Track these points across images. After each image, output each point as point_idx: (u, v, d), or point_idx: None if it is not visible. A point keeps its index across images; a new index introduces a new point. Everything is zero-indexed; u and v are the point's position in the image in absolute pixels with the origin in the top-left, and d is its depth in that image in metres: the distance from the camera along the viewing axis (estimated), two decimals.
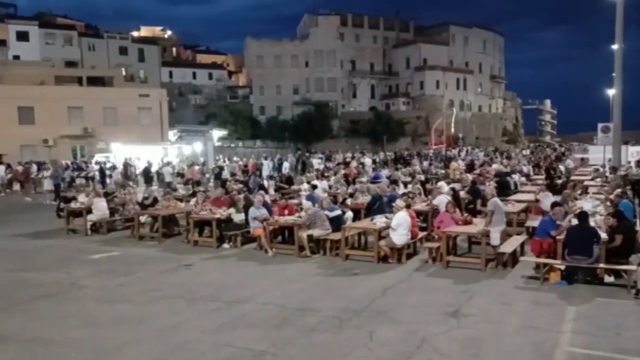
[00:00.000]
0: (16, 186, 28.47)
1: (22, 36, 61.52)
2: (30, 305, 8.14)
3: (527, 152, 50.75)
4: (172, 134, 44.99)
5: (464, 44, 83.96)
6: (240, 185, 18.08)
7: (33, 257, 11.92)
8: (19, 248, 12.99)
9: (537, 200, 13.76)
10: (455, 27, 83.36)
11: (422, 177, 21.75)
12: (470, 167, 27.28)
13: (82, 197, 15.50)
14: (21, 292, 8.90)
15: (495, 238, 10.06)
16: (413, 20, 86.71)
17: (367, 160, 35.65)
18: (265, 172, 29.84)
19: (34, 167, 30.39)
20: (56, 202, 21.44)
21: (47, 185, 23.21)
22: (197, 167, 28.71)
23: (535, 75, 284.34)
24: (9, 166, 29.77)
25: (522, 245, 10.64)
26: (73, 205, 15.28)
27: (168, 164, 29.51)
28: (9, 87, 41.52)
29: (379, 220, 11.30)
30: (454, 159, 37.05)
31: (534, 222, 11.41)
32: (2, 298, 8.52)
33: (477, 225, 10.67)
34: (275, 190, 18.65)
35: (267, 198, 14.16)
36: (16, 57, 57.69)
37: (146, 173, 26.97)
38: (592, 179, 20.19)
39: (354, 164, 31.64)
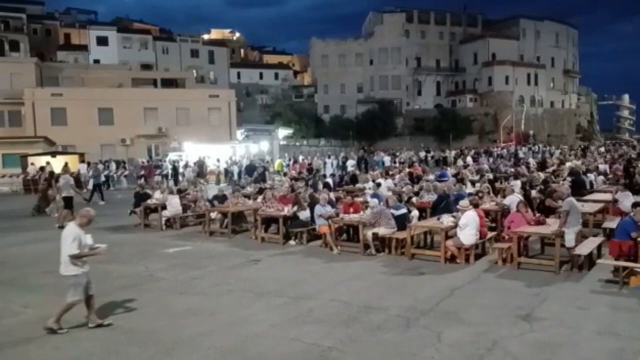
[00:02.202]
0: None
1: (102, 41, 65.08)
2: (112, 296, 8.65)
3: (602, 149, 48.00)
4: (239, 133, 46.34)
5: (535, 37, 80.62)
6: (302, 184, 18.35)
7: (113, 250, 12.51)
8: (101, 241, 13.66)
9: (615, 201, 13.08)
10: (525, 20, 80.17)
11: (491, 176, 21.15)
12: (542, 166, 26.24)
13: (157, 194, 16.28)
14: (104, 283, 9.43)
15: (570, 239, 9.64)
16: (481, 15, 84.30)
17: (469, 159, 34.63)
18: (328, 171, 30.07)
19: (113, 165, 32.17)
20: (89, 201, 21.53)
21: (90, 184, 23.85)
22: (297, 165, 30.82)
23: (612, 68, 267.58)
24: (89, 164, 31.60)
25: (599, 247, 10.16)
26: (149, 202, 16.07)
27: (264, 161, 31.14)
28: (90, 90, 44.24)
29: (446, 220, 11.13)
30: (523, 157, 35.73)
31: (612, 223, 10.86)
32: None
33: (551, 225, 10.28)
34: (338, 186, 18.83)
35: (332, 196, 14.29)
36: (96, 61, 61.19)
37: (250, 170, 28.64)
38: None
39: (460, 162, 30.54)
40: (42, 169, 25.57)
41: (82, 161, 31.68)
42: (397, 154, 43.92)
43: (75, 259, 6.78)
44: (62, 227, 15.16)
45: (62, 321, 6.89)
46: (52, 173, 20.57)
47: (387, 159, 37.02)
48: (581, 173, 18.19)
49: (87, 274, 6.91)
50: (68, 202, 16.71)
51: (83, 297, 6.85)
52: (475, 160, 35.39)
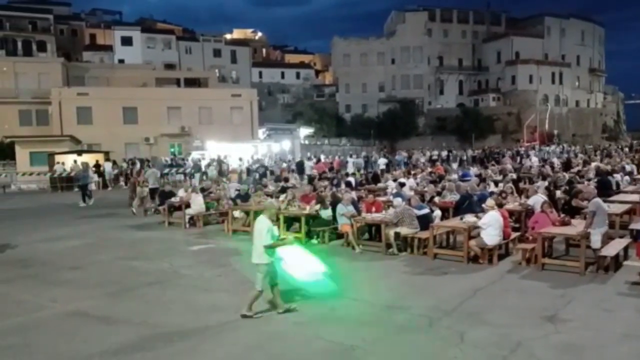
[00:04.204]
0: (122, 181, 30.76)
1: (127, 41, 66.01)
2: (138, 291, 8.82)
3: (627, 149, 46.73)
4: (261, 133, 46.59)
5: (561, 35, 79.29)
6: (326, 183, 18.39)
7: (138, 247, 12.85)
8: (126, 238, 14.06)
9: None
10: (550, 18, 78.90)
11: (514, 176, 20.92)
12: (566, 166, 25.85)
13: (181, 192, 16.48)
14: (130, 279, 9.66)
15: (596, 240, 9.49)
16: (505, 13, 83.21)
17: (534, 159, 33.16)
18: (350, 170, 30.10)
19: (137, 164, 32.64)
20: (86, 203, 21.47)
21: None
22: (323, 163, 31.69)
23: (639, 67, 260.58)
24: (114, 162, 32.15)
25: (625, 248, 9.98)
26: (173, 200, 16.28)
27: (310, 159, 33.14)
28: (115, 89, 44.95)
29: (469, 220, 11.05)
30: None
31: (639, 224, 10.65)
32: (113, 284, 9.30)
33: (576, 226, 10.14)
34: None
35: (354, 195, 14.29)
36: (121, 61, 62.11)
37: (300, 166, 29.85)
38: None
39: (529, 162, 29.70)
40: (132, 163, 26.85)
41: (107, 159, 32.20)
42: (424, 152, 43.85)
43: (269, 249, 7.22)
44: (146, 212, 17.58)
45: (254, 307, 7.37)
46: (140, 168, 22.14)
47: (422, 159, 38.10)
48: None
49: (274, 263, 7.35)
50: (154, 193, 18.24)
51: (265, 287, 7.32)
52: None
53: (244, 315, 7.27)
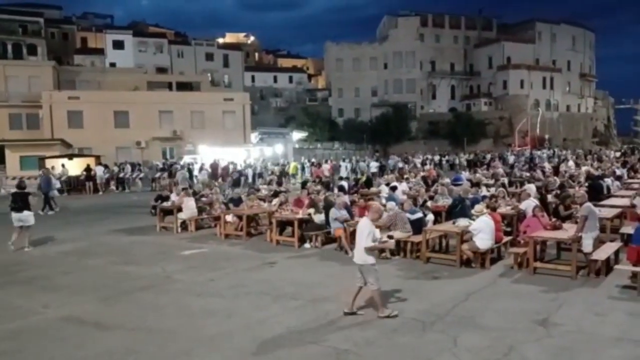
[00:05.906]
0: (113, 185, 30.59)
1: (118, 45, 65.87)
2: (131, 296, 8.78)
3: (618, 154, 47.02)
4: (254, 136, 46.54)
5: (551, 41, 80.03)
6: (319, 187, 18.40)
7: (131, 251, 12.79)
8: (118, 243, 13.99)
9: (633, 206, 12.94)
10: (541, 23, 79.62)
11: (506, 180, 21.06)
12: (557, 170, 26.02)
13: (173, 196, 16.43)
14: (123, 283, 9.61)
15: (587, 244, 9.58)
16: (496, 19, 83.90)
17: (571, 163, 30.60)
18: (343, 174, 30.14)
19: (129, 168, 32.51)
20: (44, 212, 19.97)
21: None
22: (325, 166, 32.48)
23: (630, 72, 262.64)
24: (106, 166, 31.96)
25: (616, 252, 10.08)
26: (165, 204, 16.22)
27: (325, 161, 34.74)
28: (106, 93, 44.80)
29: (462, 224, 11.10)
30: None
31: (630, 228, 10.74)
32: (107, 288, 9.25)
33: (567, 230, 10.21)
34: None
35: (346, 199, 14.32)
36: (112, 65, 61.93)
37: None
38: None
39: (572, 166, 28.58)
40: (157, 167, 27.32)
41: (99, 163, 32.02)
42: (410, 158, 43.89)
43: (370, 250, 7.36)
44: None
45: (384, 307, 7.49)
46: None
47: (417, 161, 39.44)
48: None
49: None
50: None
51: (380, 283, 7.46)
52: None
53: (385, 316, 7.33)
